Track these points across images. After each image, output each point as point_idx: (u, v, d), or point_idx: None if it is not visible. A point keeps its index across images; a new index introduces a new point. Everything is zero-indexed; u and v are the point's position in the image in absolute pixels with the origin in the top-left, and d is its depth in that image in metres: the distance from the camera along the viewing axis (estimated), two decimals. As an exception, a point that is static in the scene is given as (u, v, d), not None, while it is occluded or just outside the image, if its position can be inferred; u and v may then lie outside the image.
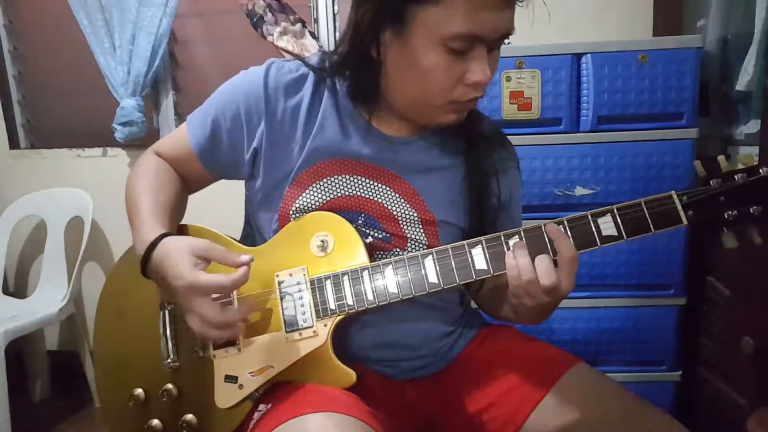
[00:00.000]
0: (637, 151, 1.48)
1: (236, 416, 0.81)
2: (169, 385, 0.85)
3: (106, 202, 2.05)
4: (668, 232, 0.75)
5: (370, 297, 0.80)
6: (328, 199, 0.86)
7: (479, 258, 0.78)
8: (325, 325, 0.80)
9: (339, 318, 0.80)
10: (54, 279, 2.12)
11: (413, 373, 0.90)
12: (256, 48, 2.10)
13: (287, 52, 2.02)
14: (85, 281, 2.26)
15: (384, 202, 0.87)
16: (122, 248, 0.94)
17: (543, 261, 0.73)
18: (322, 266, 0.83)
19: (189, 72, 2.30)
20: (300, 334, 0.80)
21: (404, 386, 0.90)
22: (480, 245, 0.79)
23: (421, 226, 0.87)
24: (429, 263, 0.80)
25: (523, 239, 0.77)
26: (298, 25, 2.02)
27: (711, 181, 0.74)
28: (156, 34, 2.06)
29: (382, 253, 0.86)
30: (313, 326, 0.80)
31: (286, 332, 0.80)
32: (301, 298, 0.81)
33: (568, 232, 0.76)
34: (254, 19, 2.02)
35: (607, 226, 0.76)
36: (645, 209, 0.75)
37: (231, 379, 0.81)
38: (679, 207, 0.74)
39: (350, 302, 0.80)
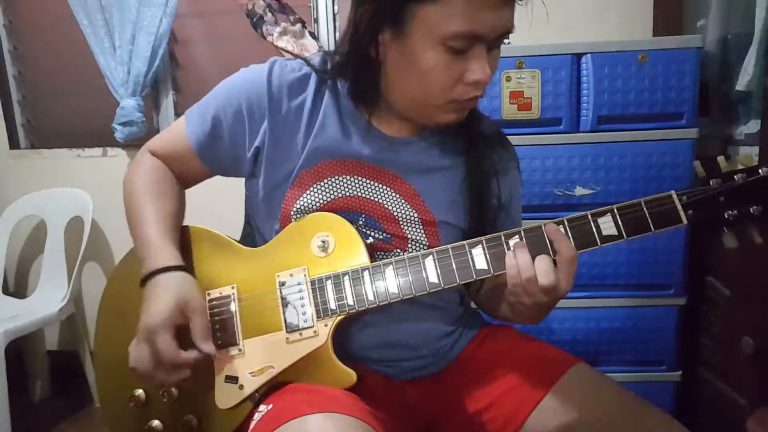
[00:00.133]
0: (637, 151, 1.48)
1: (237, 417, 0.81)
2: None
3: (106, 202, 2.04)
4: (668, 232, 0.75)
5: (371, 297, 0.80)
6: (328, 199, 0.86)
7: (480, 258, 0.78)
8: (326, 326, 0.80)
9: (339, 318, 0.80)
10: (54, 279, 2.12)
11: (413, 373, 0.90)
12: (256, 48, 2.10)
13: (287, 52, 2.02)
14: (85, 281, 2.26)
15: (384, 202, 0.87)
16: (122, 248, 0.94)
17: (542, 260, 0.73)
18: (322, 266, 0.83)
19: (189, 72, 2.30)
20: (300, 334, 0.80)
21: (404, 386, 0.90)
22: (480, 245, 0.79)
23: (421, 227, 0.87)
24: (429, 263, 0.80)
25: (524, 239, 0.77)
26: (298, 25, 2.02)
27: (711, 181, 0.74)
28: (156, 34, 2.06)
29: (382, 253, 0.86)
30: (313, 326, 0.80)
31: (287, 332, 0.80)
32: (301, 298, 0.81)
33: (568, 232, 0.76)
34: (254, 19, 2.02)
35: (607, 225, 0.76)
36: (645, 209, 0.75)
37: (231, 379, 0.81)
38: (679, 207, 0.74)
39: (351, 302, 0.80)
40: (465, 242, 0.79)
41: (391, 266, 0.80)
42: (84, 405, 2.12)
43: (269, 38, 2.02)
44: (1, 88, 2.33)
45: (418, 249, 0.87)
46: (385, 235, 0.86)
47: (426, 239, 0.87)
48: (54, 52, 2.32)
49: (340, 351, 0.80)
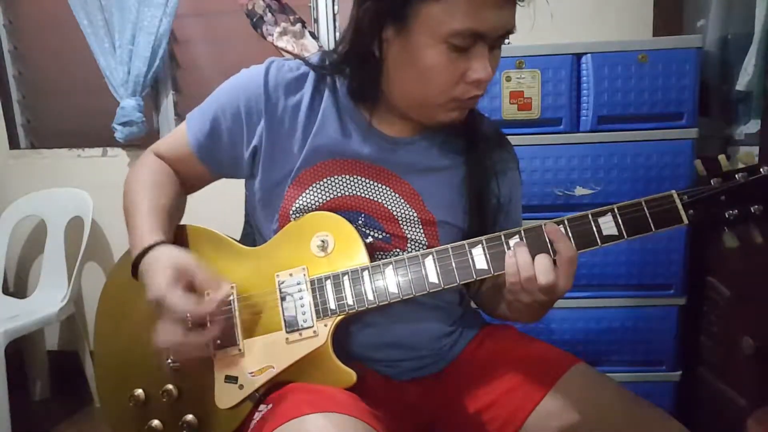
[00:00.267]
0: (637, 151, 1.48)
1: (237, 417, 0.81)
2: (170, 386, 0.85)
3: (106, 202, 2.04)
4: (668, 231, 0.75)
5: (371, 297, 0.80)
6: (328, 199, 0.86)
7: (480, 258, 0.78)
8: (326, 325, 0.80)
9: (339, 318, 0.80)
10: (54, 279, 2.12)
11: (413, 373, 0.90)
12: (256, 48, 2.10)
13: (287, 52, 2.02)
14: (85, 281, 2.26)
15: (384, 202, 0.87)
16: (122, 248, 0.94)
17: (542, 260, 0.73)
18: (322, 266, 0.83)
19: (189, 72, 2.30)
20: (300, 334, 0.80)
21: (405, 386, 0.90)
22: (480, 245, 0.79)
23: (421, 227, 0.87)
24: (429, 263, 0.79)
25: (524, 239, 0.77)
26: (298, 25, 2.02)
27: (711, 181, 0.74)
28: (156, 34, 2.06)
29: (382, 253, 0.86)
30: (313, 326, 0.80)
31: (287, 332, 0.80)
32: (301, 298, 0.81)
33: (569, 232, 0.76)
34: (254, 19, 2.02)
35: (607, 225, 0.76)
36: (645, 209, 0.75)
37: (231, 379, 0.81)
38: (680, 206, 0.74)
39: (350, 302, 0.80)
40: (465, 242, 0.79)
41: (390, 266, 0.80)
42: (84, 405, 2.12)
43: (269, 38, 2.02)
44: (1, 88, 2.32)
45: (417, 249, 0.87)
46: (384, 234, 0.86)
47: (425, 239, 0.87)
48: (54, 52, 2.32)
49: (340, 351, 0.80)
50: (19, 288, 2.35)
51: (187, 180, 0.95)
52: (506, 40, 0.79)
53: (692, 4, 1.77)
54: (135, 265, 0.81)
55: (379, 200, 0.86)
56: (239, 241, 0.92)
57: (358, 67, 0.83)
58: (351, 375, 0.78)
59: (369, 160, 0.87)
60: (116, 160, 2.25)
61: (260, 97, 0.86)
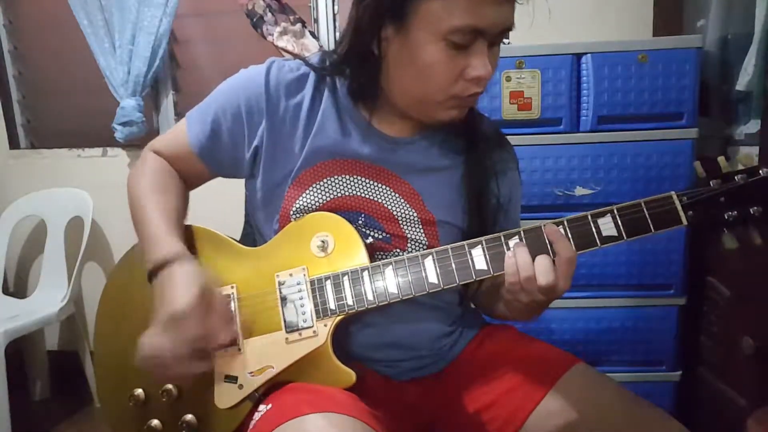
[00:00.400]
0: (637, 151, 1.48)
1: (236, 416, 0.81)
2: (169, 386, 0.85)
3: (106, 202, 2.04)
4: (668, 232, 0.75)
5: (370, 297, 0.80)
6: (328, 199, 0.86)
7: (479, 258, 0.78)
8: (325, 326, 0.80)
9: (339, 318, 0.80)
10: (54, 279, 2.12)
11: (413, 373, 0.90)
12: (256, 48, 2.10)
13: (287, 52, 2.02)
14: (85, 281, 2.26)
15: (384, 202, 0.87)
16: (122, 248, 0.94)
17: (542, 260, 0.73)
18: (322, 266, 0.83)
19: (189, 72, 2.30)
20: (300, 334, 0.80)
21: (404, 386, 0.90)
22: (480, 246, 0.79)
23: (421, 227, 0.87)
24: (429, 264, 0.80)
25: (523, 239, 0.77)
26: (298, 25, 2.02)
27: (711, 182, 0.74)
28: (156, 34, 2.06)
29: (382, 253, 0.86)
30: (313, 326, 0.80)
31: (286, 332, 0.80)
32: (301, 298, 0.81)
33: (568, 233, 0.76)
34: (254, 19, 2.02)
35: (607, 226, 0.76)
36: (645, 210, 0.75)
37: (231, 379, 0.81)
38: (679, 207, 0.74)
39: (350, 302, 0.80)
40: (464, 242, 0.79)
41: (390, 266, 0.80)
42: (84, 405, 2.12)
43: (269, 38, 2.02)
44: (1, 88, 2.32)
45: (417, 249, 0.87)
46: (384, 234, 0.86)
47: (425, 239, 0.87)
48: (54, 52, 2.32)
49: (340, 351, 0.80)
50: (19, 288, 2.35)
51: (185, 178, 0.95)
52: (506, 40, 0.79)
53: (692, 4, 1.77)
54: (154, 271, 0.80)
55: (379, 200, 0.86)
56: (239, 241, 0.92)
57: (358, 67, 0.83)
58: (350, 375, 0.78)
59: (369, 160, 0.87)
60: (116, 160, 2.25)
61: (261, 97, 0.86)
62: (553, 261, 0.74)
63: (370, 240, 0.85)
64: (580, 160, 1.50)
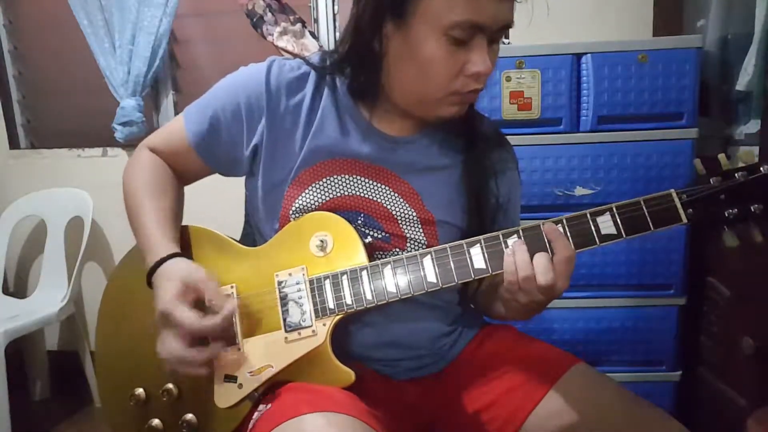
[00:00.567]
0: (637, 151, 1.48)
1: (236, 416, 0.81)
2: (170, 385, 0.85)
3: (106, 202, 2.04)
4: (668, 232, 0.75)
5: (369, 296, 0.79)
6: (327, 198, 0.86)
7: (478, 257, 0.78)
8: (324, 325, 0.80)
9: (338, 317, 0.80)
10: (54, 279, 2.12)
11: (413, 372, 0.90)
12: (256, 48, 2.10)
13: (287, 51, 2.02)
14: (85, 281, 2.26)
15: (383, 201, 0.86)
16: (122, 248, 0.94)
17: (540, 259, 0.73)
18: (321, 266, 0.83)
19: (189, 72, 2.30)
20: (299, 333, 0.80)
21: (404, 386, 0.90)
22: (479, 244, 0.79)
23: (420, 226, 0.87)
24: (428, 263, 0.79)
25: (522, 238, 0.77)
26: (298, 25, 2.02)
27: (711, 180, 0.73)
28: (156, 34, 2.06)
29: (381, 253, 0.86)
30: (312, 326, 0.80)
31: (286, 332, 0.80)
32: (300, 297, 0.81)
33: (567, 231, 0.76)
34: (254, 19, 2.02)
35: (606, 224, 0.76)
36: (644, 208, 0.75)
37: (230, 378, 0.81)
38: (679, 205, 0.74)
39: (349, 302, 0.80)
40: (463, 241, 0.79)
41: (389, 266, 0.80)
42: (84, 405, 2.12)
43: (269, 38, 2.02)
44: (1, 88, 2.33)
45: (416, 248, 0.86)
46: (383, 234, 0.86)
47: (425, 238, 0.87)
48: (54, 52, 2.32)
49: (340, 351, 0.80)
50: (19, 288, 2.35)
51: (182, 174, 0.95)
52: (506, 40, 0.79)
53: (692, 4, 1.77)
54: (150, 274, 0.82)
55: (379, 200, 0.86)
56: (239, 241, 0.92)
57: (358, 64, 0.84)
58: (350, 374, 0.78)
59: (368, 160, 0.87)
60: (116, 160, 2.25)
61: (262, 96, 0.85)
62: (552, 260, 0.74)
63: (369, 239, 0.85)
64: (580, 160, 1.50)
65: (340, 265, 0.82)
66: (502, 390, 0.86)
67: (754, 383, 1.28)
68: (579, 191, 1.52)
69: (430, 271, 0.79)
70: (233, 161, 0.90)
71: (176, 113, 2.27)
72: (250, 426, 0.77)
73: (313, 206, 0.85)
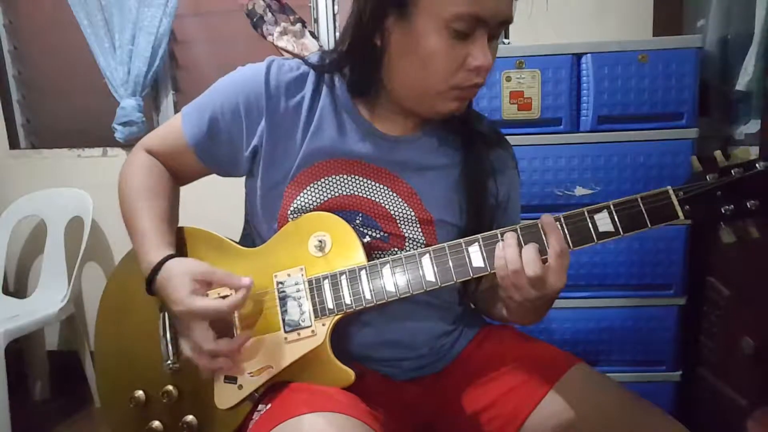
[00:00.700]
0: (637, 151, 1.48)
1: (236, 417, 0.81)
2: (170, 387, 0.85)
3: (106, 202, 2.02)
4: (668, 232, 0.75)
5: (368, 296, 0.79)
6: (326, 198, 0.85)
7: (476, 256, 0.78)
8: (324, 325, 0.80)
9: (337, 317, 0.80)
10: (54, 279, 2.12)
11: (413, 372, 0.90)
12: (256, 48, 2.10)
13: (287, 51, 2.02)
14: (85, 281, 2.26)
15: (382, 201, 0.86)
16: (122, 248, 0.94)
17: (528, 251, 0.73)
18: (320, 266, 0.83)
19: (189, 72, 2.30)
20: (298, 334, 0.80)
21: (404, 386, 0.90)
22: (477, 243, 0.78)
23: (418, 226, 0.87)
24: (426, 262, 0.79)
25: (519, 236, 0.77)
26: (298, 25, 2.02)
27: (707, 176, 0.73)
28: (156, 34, 2.06)
29: (380, 252, 0.85)
30: (311, 326, 0.80)
31: (285, 332, 0.80)
32: (299, 298, 0.81)
33: (565, 229, 0.76)
34: (254, 19, 2.03)
35: (603, 222, 0.75)
36: (641, 204, 0.75)
37: (230, 379, 0.81)
38: (675, 202, 0.74)
39: (348, 302, 0.80)
40: (461, 240, 0.79)
41: (388, 265, 0.80)
42: (84, 405, 2.12)
43: (269, 38, 2.02)
44: (1, 88, 2.33)
45: (415, 248, 0.86)
46: (382, 234, 0.86)
47: (423, 238, 0.87)
48: (54, 52, 2.33)
49: (339, 350, 0.80)
50: (19, 288, 2.35)
51: (179, 174, 0.94)
52: (506, 40, 0.79)
53: (692, 4, 1.77)
54: (149, 281, 0.82)
55: (377, 199, 0.86)
56: (239, 241, 0.92)
57: (359, 60, 0.84)
58: (349, 374, 0.78)
59: (367, 160, 0.86)
60: (116, 160, 2.25)
61: (261, 96, 0.85)
62: (546, 255, 0.73)
63: (367, 239, 0.85)
64: (580, 160, 1.50)
65: (339, 265, 0.82)
66: (502, 390, 0.86)
67: (754, 383, 1.28)
68: (579, 191, 1.52)
69: (428, 271, 0.79)
70: (232, 162, 0.90)
71: (176, 113, 2.27)
72: (250, 426, 0.77)
73: (312, 206, 0.85)
